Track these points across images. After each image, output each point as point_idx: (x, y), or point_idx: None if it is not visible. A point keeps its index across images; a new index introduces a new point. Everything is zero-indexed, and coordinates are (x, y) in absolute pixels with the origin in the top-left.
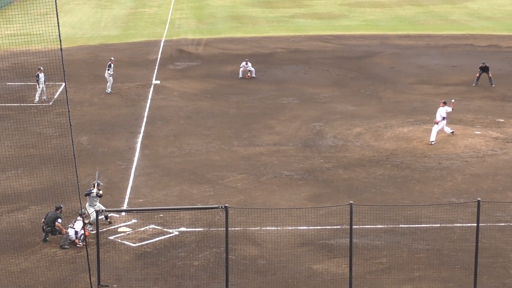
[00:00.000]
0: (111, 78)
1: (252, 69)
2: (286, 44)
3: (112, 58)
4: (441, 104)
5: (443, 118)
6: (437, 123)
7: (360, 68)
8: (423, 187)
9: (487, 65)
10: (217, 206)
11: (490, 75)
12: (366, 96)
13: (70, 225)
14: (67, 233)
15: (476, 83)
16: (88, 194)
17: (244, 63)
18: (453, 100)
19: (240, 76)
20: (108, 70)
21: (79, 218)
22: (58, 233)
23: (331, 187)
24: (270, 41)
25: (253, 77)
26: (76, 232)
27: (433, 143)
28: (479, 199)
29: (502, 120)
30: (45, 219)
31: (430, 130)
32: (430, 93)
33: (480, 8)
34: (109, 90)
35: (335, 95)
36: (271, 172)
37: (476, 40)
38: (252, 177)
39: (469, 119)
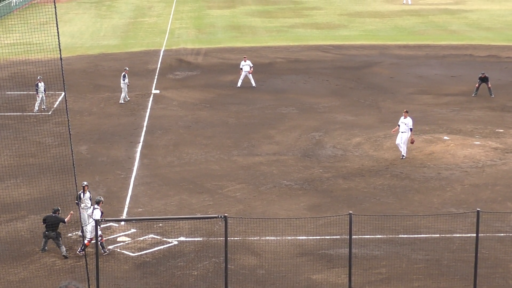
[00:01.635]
0: (126, 88)
1: (251, 64)
2: (285, 54)
3: (127, 68)
4: (404, 113)
5: (410, 130)
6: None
7: (359, 78)
8: (423, 197)
9: (487, 75)
10: (216, 215)
11: (489, 85)
12: (365, 106)
13: (89, 214)
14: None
15: (476, 94)
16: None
17: (242, 61)
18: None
19: (239, 85)
20: (124, 80)
21: (96, 206)
22: (60, 238)
23: (331, 197)
24: (269, 51)
25: (253, 86)
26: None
27: (404, 157)
28: (479, 209)
29: (501, 130)
30: (44, 223)
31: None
32: (429, 103)
33: (479, 18)
34: (124, 100)
35: (335, 105)
36: (270, 182)
37: (475, 50)
38: (251, 187)
39: (469, 129)
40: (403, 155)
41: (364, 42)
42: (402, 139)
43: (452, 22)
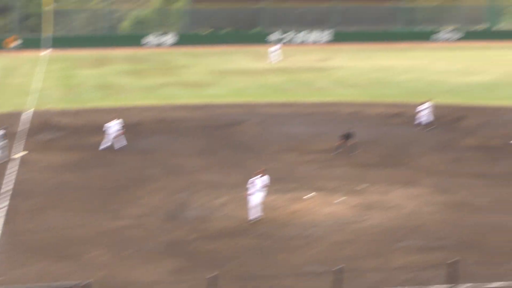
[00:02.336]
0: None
1: (120, 126)
2: (153, 113)
3: (6, 127)
4: (259, 172)
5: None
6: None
7: (226, 137)
8: (287, 256)
9: (351, 132)
10: (78, 282)
11: (352, 142)
12: (232, 165)
13: None
14: None
15: (338, 151)
16: None
17: (110, 122)
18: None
19: (104, 147)
20: (3, 139)
21: None
22: None
23: (195, 259)
24: (137, 110)
25: (119, 147)
26: None
27: (253, 220)
28: (341, 266)
29: (362, 187)
30: None
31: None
32: (295, 161)
33: (344, 75)
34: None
35: (201, 165)
36: (134, 246)
37: (340, 107)
38: (114, 251)
39: (331, 186)
40: (259, 215)
41: (232, 100)
42: (257, 199)
43: (318, 79)
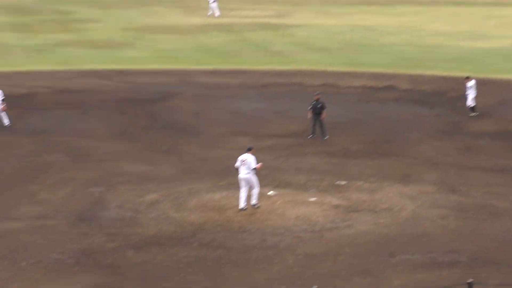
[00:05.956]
0: None
1: (3, 96)
2: (50, 81)
3: None
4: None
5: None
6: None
7: (153, 114)
8: (243, 273)
9: (322, 101)
10: None
11: (323, 116)
12: (162, 152)
13: None
14: None
15: (313, 135)
16: None
17: None
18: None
19: None
20: None
21: None
22: None
23: (118, 274)
24: (28, 77)
25: (6, 125)
26: None
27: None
28: (317, 286)
29: (343, 182)
30: None
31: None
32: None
33: (310, 36)
34: None
35: (121, 151)
36: (33, 255)
37: (306, 77)
38: (7, 263)
39: (301, 181)
40: (255, 203)
41: (158, 66)
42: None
43: (275, 40)
